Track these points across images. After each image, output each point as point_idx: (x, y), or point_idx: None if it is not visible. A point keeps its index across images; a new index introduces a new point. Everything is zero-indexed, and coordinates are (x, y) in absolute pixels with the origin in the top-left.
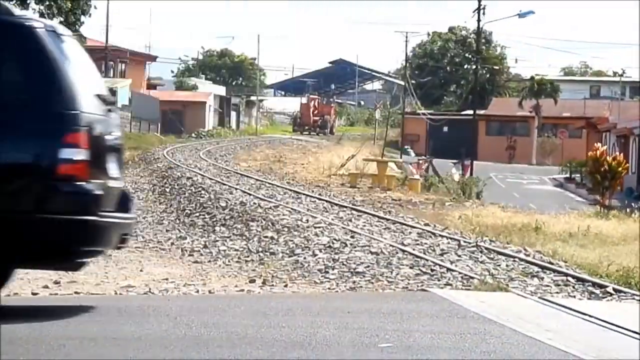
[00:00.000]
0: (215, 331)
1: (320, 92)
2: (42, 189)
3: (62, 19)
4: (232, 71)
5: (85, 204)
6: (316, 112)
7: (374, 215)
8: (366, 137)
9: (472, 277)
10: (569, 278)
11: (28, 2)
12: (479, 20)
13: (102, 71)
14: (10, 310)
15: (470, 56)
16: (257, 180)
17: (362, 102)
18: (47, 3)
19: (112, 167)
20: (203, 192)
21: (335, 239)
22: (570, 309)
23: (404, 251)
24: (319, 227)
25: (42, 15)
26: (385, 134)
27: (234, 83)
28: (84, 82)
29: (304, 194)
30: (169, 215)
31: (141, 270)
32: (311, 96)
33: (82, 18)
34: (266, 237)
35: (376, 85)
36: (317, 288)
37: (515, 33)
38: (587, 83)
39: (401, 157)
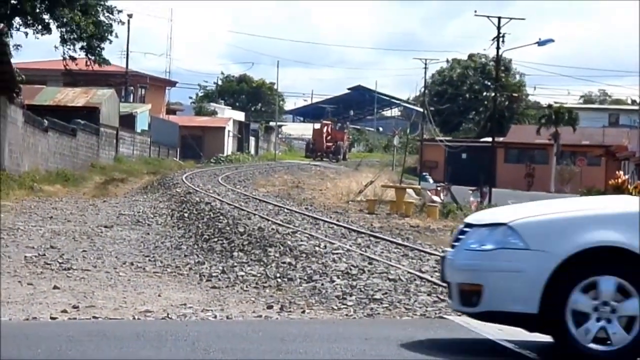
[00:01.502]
0: (233, 357)
1: (339, 118)
2: None
3: (84, 44)
4: (251, 97)
5: None
6: (329, 137)
7: (392, 242)
8: (384, 163)
9: None
10: None
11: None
12: (498, 48)
13: (122, 96)
14: (29, 335)
15: (489, 83)
16: (275, 205)
17: (381, 129)
18: (68, 28)
19: None
20: (221, 217)
21: (353, 266)
22: None
23: (421, 278)
24: (337, 254)
25: (63, 40)
26: (404, 160)
27: (253, 108)
28: None
29: (322, 220)
30: (187, 240)
31: (159, 295)
32: (324, 122)
33: (103, 44)
34: (284, 262)
35: (395, 111)
36: (335, 314)
37: (534, 61)
38: (606, 111)
39: (419, 184)
